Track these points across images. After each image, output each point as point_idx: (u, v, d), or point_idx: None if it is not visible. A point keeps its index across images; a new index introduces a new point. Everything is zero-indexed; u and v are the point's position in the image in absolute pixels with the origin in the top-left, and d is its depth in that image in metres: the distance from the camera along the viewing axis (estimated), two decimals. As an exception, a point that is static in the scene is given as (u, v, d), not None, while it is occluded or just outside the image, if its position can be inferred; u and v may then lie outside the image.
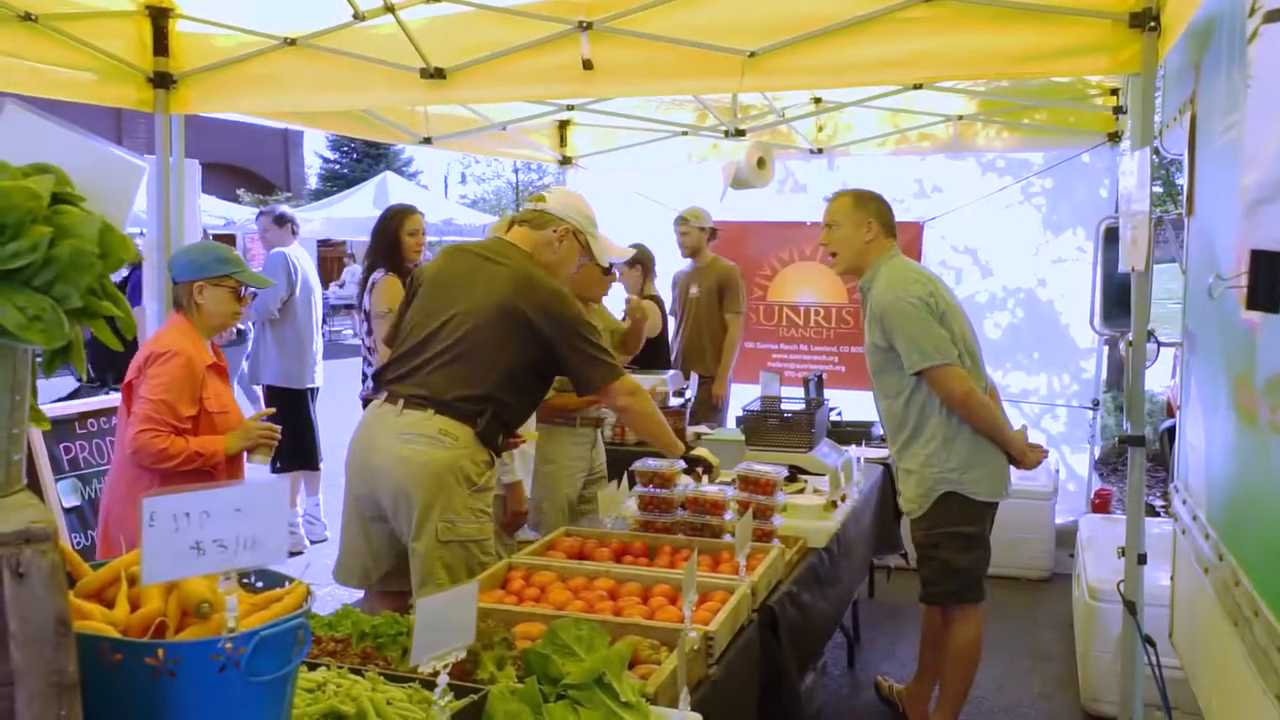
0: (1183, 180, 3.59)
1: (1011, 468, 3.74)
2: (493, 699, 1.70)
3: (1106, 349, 6.36)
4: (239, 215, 17.73)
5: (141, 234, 5.01)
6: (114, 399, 4.15)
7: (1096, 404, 6.26)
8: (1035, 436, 6.33)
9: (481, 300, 3.14)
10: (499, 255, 3.26)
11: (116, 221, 1.18)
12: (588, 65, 3.67)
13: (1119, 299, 4.44)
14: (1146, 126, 3.05)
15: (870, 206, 3.73)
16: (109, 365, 7.41)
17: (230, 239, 15.52)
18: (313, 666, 1.73)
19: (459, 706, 1.58)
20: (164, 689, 1.18)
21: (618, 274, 5.92)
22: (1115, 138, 6.05)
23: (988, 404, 3.61)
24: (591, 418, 4.43)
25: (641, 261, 5.93)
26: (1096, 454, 6.44)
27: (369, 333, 5.07)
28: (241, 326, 5.83)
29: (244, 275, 3.44)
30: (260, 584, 1.44)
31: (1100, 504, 6.16)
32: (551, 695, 2.00)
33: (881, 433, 4.18)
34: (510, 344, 3.12)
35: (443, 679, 1.55)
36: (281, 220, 6.58)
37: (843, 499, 3.76)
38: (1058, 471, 6.28)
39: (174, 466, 3.20)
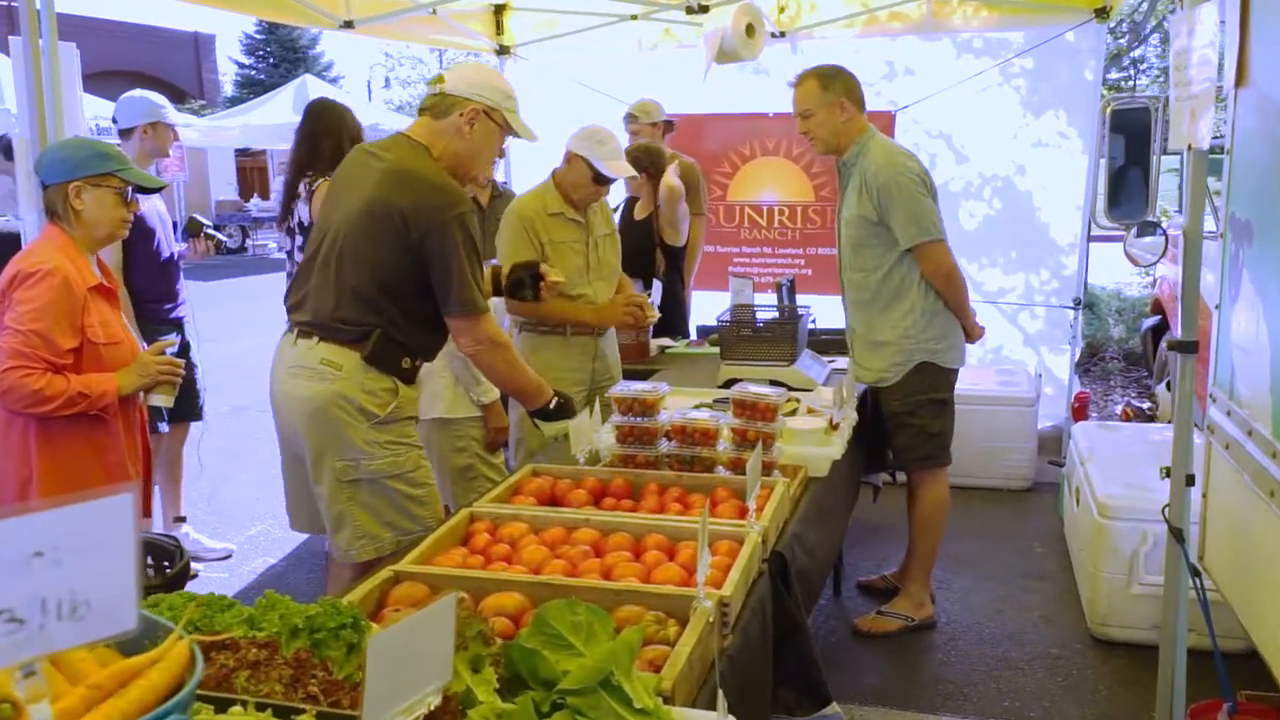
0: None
1: None
2: (475, 734, 1.24)
3: (1089, 245, 5.95)
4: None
5: (15, 134, 4.29)
6: None
7: (1078, 303, 5.89)
8: (1012, 334, 6.10)
9: (354, 204, 2.74)
10: (383, 150, 2.83)
11: None
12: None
13: (1125, 188, 4.05)
14: (1213, -28, 2.57)
15: (837, 86, 3.74)
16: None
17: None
18: (224, 705, 1.24)
19: (432, 762, 1.12)
20: None
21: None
22: (1103, 14, 5.58)
23: (964, 281, 3.83)
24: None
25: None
26: (1076, 356, 6.10)
27: (303, 248, 4.43)
28: (227, 244, 5.05)
29: (130, 174, 2.84)
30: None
31: (1079, 408, 5.86)
32: (545, 704, 1.56)
33: None
34: (382, 250, 2.70)
35: (409, 730, 1.08)
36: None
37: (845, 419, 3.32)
38: (1040, 376, 5.94)
39: (53, 411, 2.65)
